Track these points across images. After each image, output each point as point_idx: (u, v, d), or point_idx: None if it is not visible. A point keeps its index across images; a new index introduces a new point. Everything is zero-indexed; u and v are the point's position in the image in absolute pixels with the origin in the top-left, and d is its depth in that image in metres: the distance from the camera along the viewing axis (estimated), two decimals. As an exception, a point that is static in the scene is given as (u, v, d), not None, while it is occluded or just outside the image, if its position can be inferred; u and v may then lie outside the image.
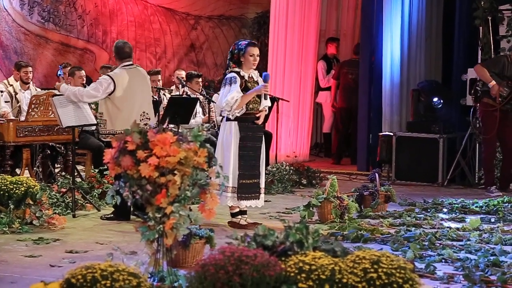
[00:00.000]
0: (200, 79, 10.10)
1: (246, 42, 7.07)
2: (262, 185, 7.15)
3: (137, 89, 7.36)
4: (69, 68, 10.18)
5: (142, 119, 7.27)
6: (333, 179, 7.40)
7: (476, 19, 10.03)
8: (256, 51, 7.00)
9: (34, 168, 8.55)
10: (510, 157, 9.36)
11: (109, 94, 7.25)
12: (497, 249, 5.99)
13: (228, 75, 6.97)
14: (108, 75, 7.35)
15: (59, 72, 11.57)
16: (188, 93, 9.89)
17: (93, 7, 13.25)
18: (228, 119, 7.01)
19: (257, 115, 6.98)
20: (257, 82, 7.04)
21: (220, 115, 9.76)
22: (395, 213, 7.77)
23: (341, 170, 10.86)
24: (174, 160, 4.42)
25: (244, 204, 7.00)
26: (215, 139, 8.60)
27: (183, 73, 10.66)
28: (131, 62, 7.45)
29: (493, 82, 9.19)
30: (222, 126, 7.13)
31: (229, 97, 6.85)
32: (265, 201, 7.44)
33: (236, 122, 6.95)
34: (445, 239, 6.51)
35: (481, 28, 10.04)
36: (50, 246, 6.11)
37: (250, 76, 7.02)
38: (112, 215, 7.27)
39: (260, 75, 7.07)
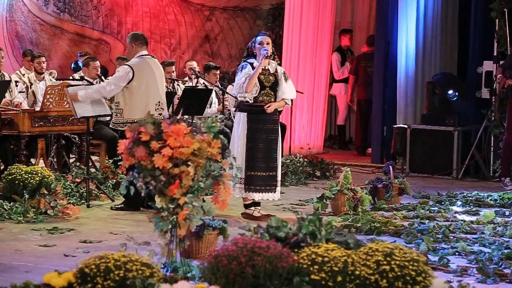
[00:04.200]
0: (218, 71, 10.11)
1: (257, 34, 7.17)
2: (279, 177, 7.14)
3: (153, 78, 7.37)
4: (86, 57, 10.20)
5: (157, 109, 7.29)
6: (346, 171, 7.39)
7: (492, 11, 9.96)
8: (264, 39, 7.01)
9: (49, 158, 8.60)
10: None
11: (128, 83, 7.28)
12: (511, 243, 5.96)
13: (241, 64, 7.05)
14: (127, 64, 7.39)
15: (73, 65, 11.62)
16: (206, 85, 9.90)
17: (108, -3, 13.27)
18: (239, 110, 7.03)
19: (266, 106, 6.96)
20: (272, 75, 7.04)
21: (235, 106, 9.79)
22: (409, 206, 7.75)
23: (355, 162, 10.84)
24: (188, 151, 4.43)
25: (258, 196, 6.99)
26: (228, 130, 8.64)
27: (194, 64, 10.66)
28: (147, 52, 7.47)
29: (499, 75, 9.34)
30: (235, 118, 7.16)
31: (237, 79, 6.93)
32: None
33: (246, 113, 6.97)
34: (459, 232, 6.49)
35: (497, 20, 9.98)
36: (64, 236, 6.14)
37: (266, 68, 7.02)
38: (122, 206, 7.30)
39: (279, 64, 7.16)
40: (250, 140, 6.94)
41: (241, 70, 6.96)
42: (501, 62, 9.64)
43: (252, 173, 6.93)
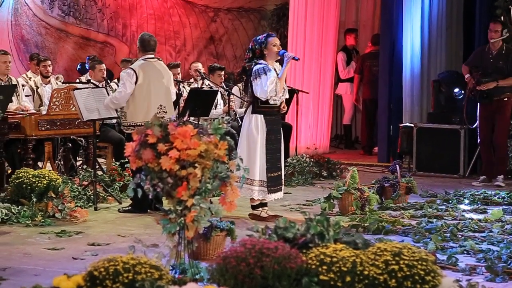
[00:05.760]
0: (223, 72, 10.10)
1: (264, 35, 7.07)
2: (283, 176, 7.20)
3: (154, 81, 7.37)
4: (92, 60, 10.22)
5: (159, 112, 7.28)
6: (353, 171, 7.38)
7: (498, 8, 9.95)
8: (277, 40, 7.02)
9: (56, 162, 8.61)
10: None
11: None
12: (520, 241, 5.96)
13: (258, 66, 6.89)
14: (129, 68, 7.42)
15: (79, 67, 11.64)
16: (211, 86, 9.89)
17: (113, 0, 13.29)
18: (254, 112, 6.99)
19: (282, 106, 7.04)
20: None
21: (240, 107, 9.79)
22: (416, 205, 7.73)
23: (361, 162, 10.83)
24: (195, 153, 4.43)
25: (273, 197, 7.03)
26: (234, 131, 8.64)
27: (199, 65, 10.67)
28: (153, 56, 7.47)
29: (466, 75, 9.46)
30: (246, 119, 7.07)
31: (269, 82, 6.83)
32: (285, 193, 7.47)
33: (262, 115, 6.95)
34: (467, 231, 6.48)
35: (502, 17, 9.96)
36: (72, 239, 6.16)
37: (274, 68, 7.02)
38: (130, 208, 7.31)
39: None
40: (269, 142, 6.96)
41: (265, 73, 6.85)
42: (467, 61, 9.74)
43: (272, 174, 6.97)
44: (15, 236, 6.23)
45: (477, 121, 9.48)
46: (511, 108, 9.33)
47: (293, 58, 6.97)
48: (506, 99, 9.24)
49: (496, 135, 9.36)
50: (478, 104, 9.42)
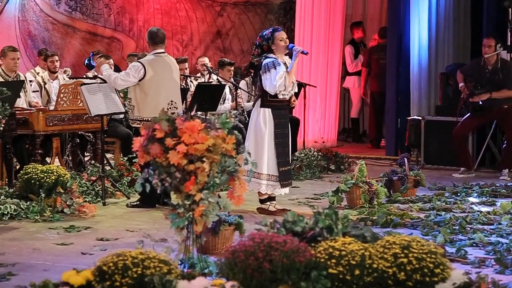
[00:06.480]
0: (232, 67, 10.08)
1: (270, 30, 7.03)
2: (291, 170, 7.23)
3: (166, 77, 7.37)
4: (99, 55, 10.23)
5: (170, 108, 7.27)
6: (361, 164, 7.37)
7: (505, 0, 9.91)
8: (283, 35, 6.99)
9: (64, 157, 8.63)
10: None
11: (139, 80, 7.29)
12: (529, 233, 5.94)
13: (268, 60, 6.86)
14: (139, 62, 7.40)
15: (86, 61, 11.64)
16: (220, 81, 9.88)
17: (119, -5, 13.30)
18: (263, 106, 6.98)
19: (293, 100, 7.05)
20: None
21: (248, 101, 9.78)
22: (425, 198, 7.72)
23: (369, 155, 10.82)
24: (203, 147, 4.44)
25: (285, 191, 7.03)
26: (242, 125, 8.64)
27: (206, 60, 10.65)
28: (163, 50, 7.46)
29: (461, 84, 9.50)
30: (254, 112, 7.05)
31: (278, 77, 6.81)
32: (293, 187, 7.46)
33: (270, 109, 6.94)
34: (475, 223, 6.46)
35: (510, 9, 9.92)
36: (81, 234, 6.17)
37: (284, 62, 7.00)
38: (138, 203, 7.32)
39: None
40: (278, 136, 6.95)
41: (274, 67, 6.82)
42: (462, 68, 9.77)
43: (283, 168, 6.96)
44: (24, 231, 6.26)
45: (466, 116, 9.44)
46: None
47: (302, 52, 6.95)
48: (506, 106, 9.22)
49: (508, 133, 9.32)
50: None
